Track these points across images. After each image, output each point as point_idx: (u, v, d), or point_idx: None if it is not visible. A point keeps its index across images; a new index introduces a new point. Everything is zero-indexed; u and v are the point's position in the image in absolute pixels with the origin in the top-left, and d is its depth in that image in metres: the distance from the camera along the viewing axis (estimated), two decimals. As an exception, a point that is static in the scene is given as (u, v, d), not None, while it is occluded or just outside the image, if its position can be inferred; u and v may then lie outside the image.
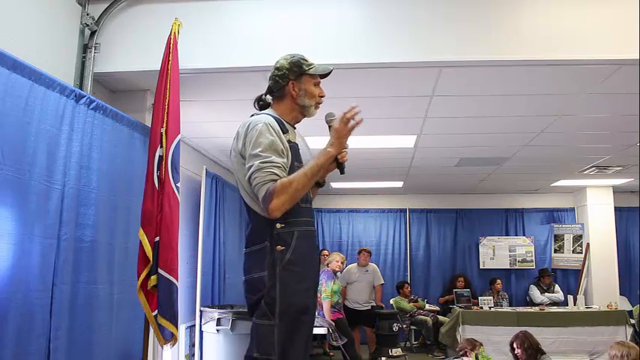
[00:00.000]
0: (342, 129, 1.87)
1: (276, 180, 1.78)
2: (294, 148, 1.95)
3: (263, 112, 2.01)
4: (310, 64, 2.01)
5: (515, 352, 4.16)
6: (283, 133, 1.92)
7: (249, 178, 1.83)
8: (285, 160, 1.85)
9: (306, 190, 1.85)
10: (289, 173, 1.87)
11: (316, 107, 2.03)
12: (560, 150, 5.36)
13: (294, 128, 2.07)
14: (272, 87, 2.04)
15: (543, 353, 4.13)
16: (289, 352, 1.80)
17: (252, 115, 1.98)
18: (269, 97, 2.07)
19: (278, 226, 1.84)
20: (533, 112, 4.09)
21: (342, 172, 2.06)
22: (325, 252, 6.92)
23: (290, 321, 1.81)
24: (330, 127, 2.02)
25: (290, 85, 1.99)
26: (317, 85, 2.02)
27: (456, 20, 3.05)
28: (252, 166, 1.82)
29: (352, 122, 1.87)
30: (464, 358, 4.31)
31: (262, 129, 1.85)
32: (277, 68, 2.01)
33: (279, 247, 1.83)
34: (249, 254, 1.91)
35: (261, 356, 1.80)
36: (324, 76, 2.05)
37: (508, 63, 3.06)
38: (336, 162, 2.00)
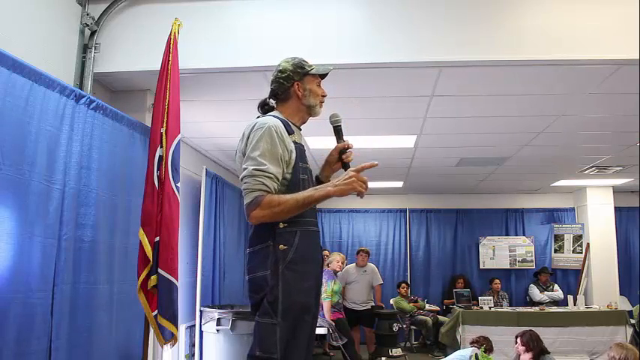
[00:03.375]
0: (354, 178, 1.84)
1: (264, 191, 1.79)
2: (299, 149, 1.96)
3: (269, 114, 2.02)
4: (311, 65, 2.05)
5: (516, 349, 4.17)
6: (289, 135, 1.93)
7: (241, 179, 1.86)
8: (280, 169, 1.85)
9: (292, 215, 1.82)
10: (293, 173, 1.89)
11: (320, 106, 2.07)
12: (560, 150, 5.36)
13: (300, 129, 2.09)
14: (276, 90, 2.04)
15: (547, 352, 4.14)
16: (291, 351, 1.81)
17: (258, 117, 1.99)
18: (272, 101, 2.08)
19: (281, 225, 1.85)
20: (533, 112, 4.09)
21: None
22: (326, 252, 6.93)
23: (292, 320, 1.81)
24: (334, 128, 2.03)
25: (295, 86, 2.01)
26: (319, 84, 2.06)
27: (456, 20, 3.05)
28: (246, 168, 1.84)
29: (361, 188, 1.85)
30: (474, 347, 4.32)
31: (265, 132, 1.85)
32: (280, 71, 2.03)
33: (281, 247, 1.83)
34: (253, 254, 1.91)
35: (264, 355, 1.80)
36: (322, 76, 2.09)
37: (508, 63, 3.06)
38: (341, 162, 2.04)
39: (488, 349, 4.33)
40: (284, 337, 1.79)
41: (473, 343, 4.45)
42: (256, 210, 1.79)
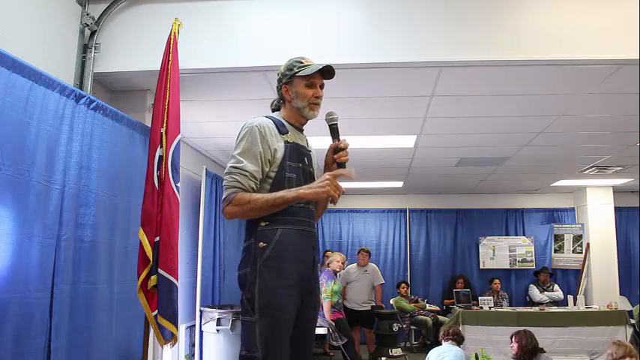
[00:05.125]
0: (328, 182, 1.81)
1: (238, 188, 1.84)
2: (291, 147, 1.96)
3: (271, 114, 2.05)
4: (303, 66, 2.00)
5: (512, 347, 4.17)
6: (282, 134, 1.95)
7: (224, 175, 1.92)
8: (258, 168, 1.88)
9: (263, 213, 1.84)
10: (278, 171, 1.91)
11: (311, 108, 2.01)
12: (560, 150, 5.36)
13: (302, 130, 2.08)
14: (276, 93, 2.09)
15: (542, 351, 4.14)
16: (273, 349, 1.80)
17: (254, 117, 2.00)
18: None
19: (262, 223, 1.88)
20: (533, 112, 4.09)
21: None
22: (328, 252, 6.92)
23: (270, 318, 1.80)
24: (329, 126, 2.02)
25: (283, 90, 2.02)
26: (310, 86, 2.00)
27: (456, 20, 3.05)
28: (227, 166, 1.90)
29: (335, 193, 1.82)
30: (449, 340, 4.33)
31: (248, 131, 1.90)
32: (277, 74, 2.06)
33: (260, 244, 1.85)
34: (242, 251, 1.96)
35: (247, 353, 1.82)
36: (327, 76, 2.03)
37: (508, 63, 3.06)
38: (336, 163, 2.02)
39: (459, 341, 4.35)
40: (263, 335, 1.79)
41: (446, 336, 4.42)
42: (228, 206, 1.85)
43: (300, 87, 1.99)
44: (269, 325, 1.80)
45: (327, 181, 1.82)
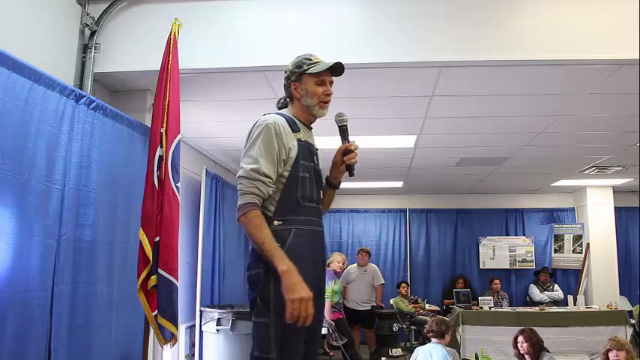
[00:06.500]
0: (297, 305, 1.69)
1: (257, 195, 1.81)
2: (303, 146, 1.93)
3: (279, 111, 2.02)
4: (313, 63, 1.97)
5: (521, 346, 4.14)
6: (294, 132, 1.92)
7: (238, 176, 1.86)
8: (274, 168, 1.85)
9: (253, 240, 1.79)
10: (292, 171, 1.88)
11: (322, 106, 1.98)
12: (560, 150, 5.36)
13: (310, 129, 2.05)
14: (284, 90, 2.05)
15: (547, 351, 4.14)
16: (287, 351, 1.79)
17: (264, 114, 1.97)
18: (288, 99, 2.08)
19: (276, 223, 1.85)
20: (533, 112, 4.09)
21: (351, 174, 2.04)
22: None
23: (285, 319, 1.78)
24: (339, 127, 2.01)
25: (292, 87, 1.99)
26: (321, 83, 1.97)
27: (456, 20, 3.05)
28: (242, 167, 1.85)
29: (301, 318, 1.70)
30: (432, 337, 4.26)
31: (263, 129, 1.86)
32: (285, 71, 2.02)
33: None
34: (251, 251, 1.91)
35: (261, 355, 1.80)
36: (336, 73, 2.00)
37: (508, 63, 3.06)
38: (345, 164, 2.02)
39: (442, 334, 4.26)
40: (278, 337, 1.77)
41: (429, 332, 4.34)
42: (241, 217, 1.82)
43: (310, 84, 1.96)
44: (285, 326, 1.76)
45: (295, 305, 1.69)
